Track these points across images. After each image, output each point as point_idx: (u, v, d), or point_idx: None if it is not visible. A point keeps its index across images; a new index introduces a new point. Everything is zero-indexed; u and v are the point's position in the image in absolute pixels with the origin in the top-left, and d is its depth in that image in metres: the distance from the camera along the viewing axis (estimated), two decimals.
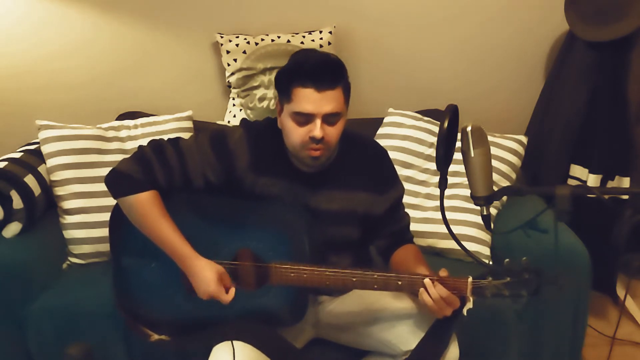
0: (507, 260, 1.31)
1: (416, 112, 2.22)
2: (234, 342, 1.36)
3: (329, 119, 1.38)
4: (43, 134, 1.98)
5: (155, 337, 1.51)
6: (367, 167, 1.56)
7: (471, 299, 1.34)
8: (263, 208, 1.47)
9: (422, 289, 1.35)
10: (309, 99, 1.36)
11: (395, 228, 1.61)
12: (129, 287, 1.55)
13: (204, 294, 1.41)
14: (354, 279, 1.39)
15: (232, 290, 1.42)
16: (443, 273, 1.36)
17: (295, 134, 1.40)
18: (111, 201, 1.91)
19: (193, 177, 1.47)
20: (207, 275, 1.40)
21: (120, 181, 1.45)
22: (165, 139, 1.51)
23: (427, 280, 1.34)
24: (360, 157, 1.55)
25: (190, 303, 1.48)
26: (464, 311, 1.37)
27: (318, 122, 1.37)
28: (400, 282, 1.37)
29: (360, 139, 1.60)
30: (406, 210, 1.65)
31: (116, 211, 1.54)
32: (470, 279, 1.33)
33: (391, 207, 1.59)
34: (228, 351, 1.35)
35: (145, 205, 1.43)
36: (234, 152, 1.47)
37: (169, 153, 1.46)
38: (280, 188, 1.48)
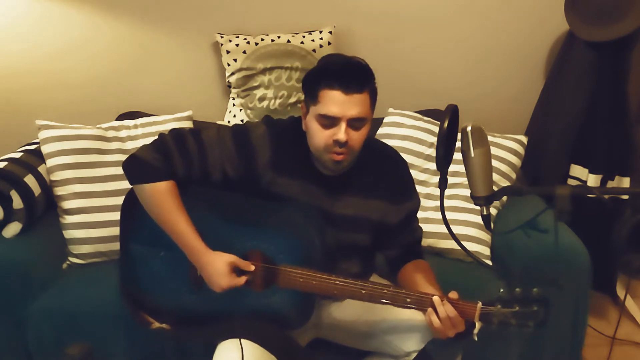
0: (518, 289, 1.30)
1: (416, 112, 2.22)
2: (242, 340, 1.35)
3: (354, 123, 1.37)
4: (43, 134, 1.98)
5: (156, 325, 1.50)
6: (386, 176, 1.55)
7: (477, 324, 1.33)
8: (278, 209, 1.46)
9: (430, 309, 1.34)
10: (335, 101, 1.34)
11: (407, 240, 1.60)
12: (135, 273, 1.54)
13: (216, 287, 1.40)
14: (363, 292, 1.38)
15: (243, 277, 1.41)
16: (453, 295, 1.36)
17: (319, 136, 1.39)
18: (111, 201, 1.93)
19: (212, 170, 1.45)
20: (217, 268, 1.39)
21: (139, 168, 1.43)
22: (187, 128, 1.49)
23: (436, 298, 1.33)
24: (380, 165, 1.54)
25: (195, 296, 1.47)
26: (474, 336, 1.35)
27: (343, 125, 1.35)
28: (409, 300, 1.36)
29: (382, 148, 1.60)
30: None
31: (129, 197, 1.52)
32: (479, 305, 1.32)
33: (405, 218, 1.58)
34: (236, 349, 1.34)
35: (162, 195, 1.42)
36: (255, 147, 1.46)
37: (190, 144, 1.45)
38: (297, 189, 1.47)
